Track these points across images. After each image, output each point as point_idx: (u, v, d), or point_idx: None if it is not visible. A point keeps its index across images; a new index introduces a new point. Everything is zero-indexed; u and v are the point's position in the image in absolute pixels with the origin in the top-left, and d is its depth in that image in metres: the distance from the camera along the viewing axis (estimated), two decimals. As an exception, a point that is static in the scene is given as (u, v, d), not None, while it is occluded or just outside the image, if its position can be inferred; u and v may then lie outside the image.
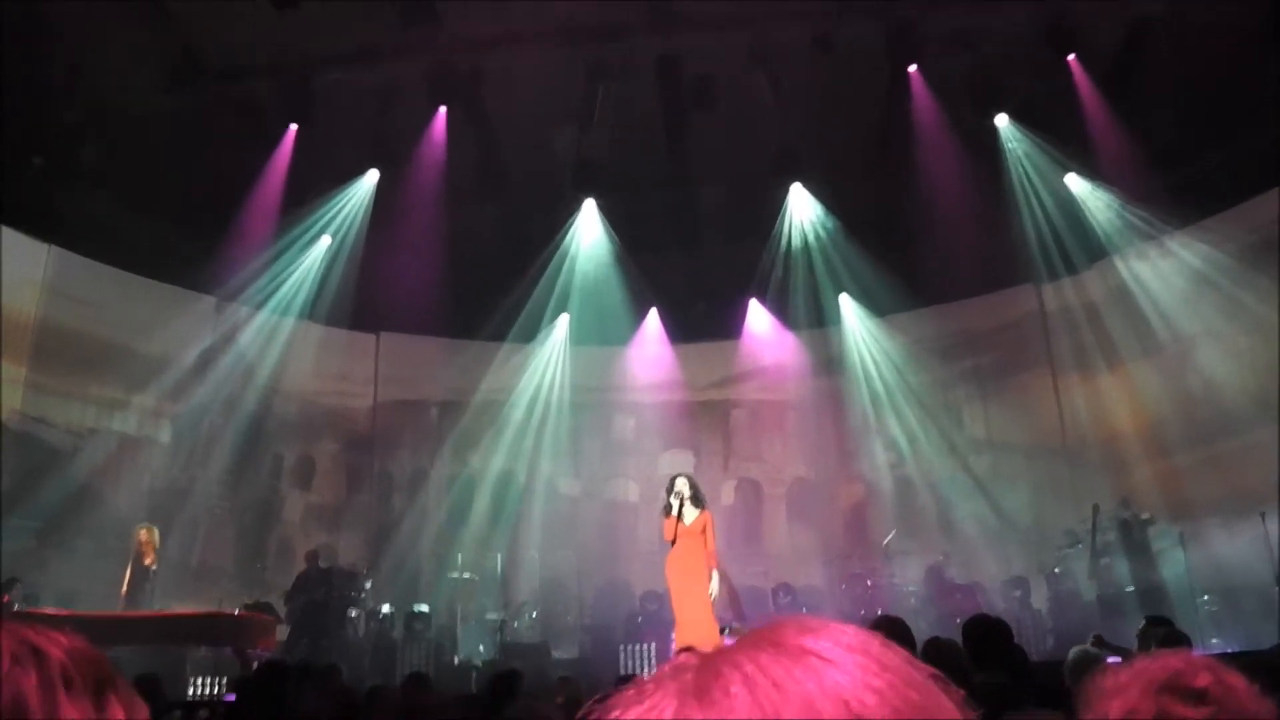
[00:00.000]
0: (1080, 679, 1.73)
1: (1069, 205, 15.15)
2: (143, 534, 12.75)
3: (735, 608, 12.85)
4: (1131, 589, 12.24)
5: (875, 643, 0.68)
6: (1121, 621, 10.86)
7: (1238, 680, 1.56)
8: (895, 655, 0.67)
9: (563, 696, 5.64)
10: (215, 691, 10.85)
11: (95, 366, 14.49)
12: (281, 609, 13.19)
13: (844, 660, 0.65)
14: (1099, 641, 7.09)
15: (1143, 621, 7.21)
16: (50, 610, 11.22)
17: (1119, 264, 15.00)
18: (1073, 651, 5.97)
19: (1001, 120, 15.20)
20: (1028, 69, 14.53)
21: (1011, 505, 15.48)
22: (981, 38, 13.93)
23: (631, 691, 0.67)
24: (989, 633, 5.22)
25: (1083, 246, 15.23)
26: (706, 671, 0.65)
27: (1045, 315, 16.15)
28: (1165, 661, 1.59)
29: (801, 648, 0.66)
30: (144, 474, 14.94)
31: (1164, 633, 6.42)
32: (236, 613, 12.15)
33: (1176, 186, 13.48)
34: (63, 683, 0.86)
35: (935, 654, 4.99)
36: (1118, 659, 6.16)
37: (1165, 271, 14.48)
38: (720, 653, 0.67)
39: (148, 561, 12.56)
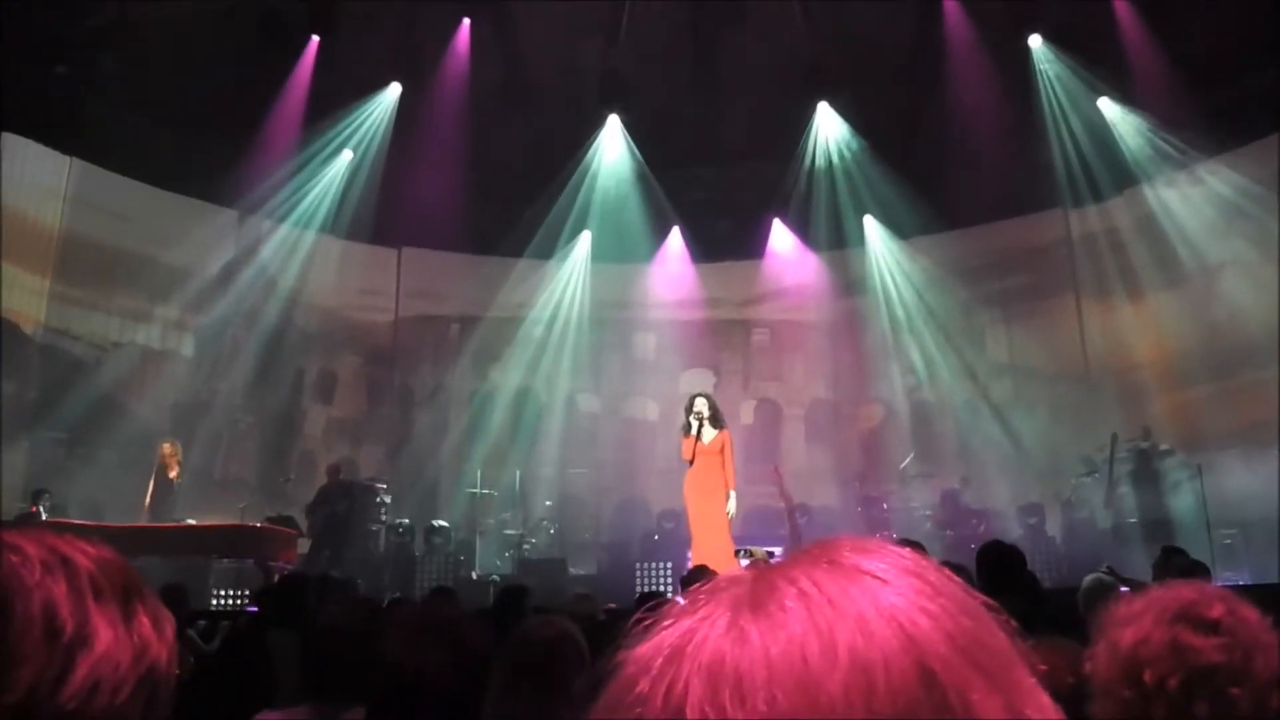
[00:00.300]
0: (1094, 606, 1.74)
1: (1100, 130, 14.85)
2: (166, 448, 13.02)
3: (793, 533, 12.69)
4: (1146, 519, 12.18)
5: (931, 567, 0.68)
6: (1134, 551, 10.84)
7: (1250, 612, 1.57)
8: (950, 581, 0.67)
9: (579, 613, 5.68)
10: (238, 603, 10.93)
11: (118, 279, 14.62)
12: (303, 522, 13.25)
13: (899, 582, 0.64)
14: (1110, 572, 6.99)
15: (1158, 551, 7.15)
16: (77, 521, 11.38)
17: (1148, 191, 14.67)
18: (1087, 579, 5.97)
19: (1035, 41, 14.86)
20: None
21: (1030, 432, 15.29)
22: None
23: (684, 602, 0.68)
24: (1001, 558, 5.24)
25: (1112, 172, 14.89)
26: (762, 584, 0.65)
27: (1071, 241, 15.85)
28: (1178, 591, 1.60)
29: (858, 567, 0.65)
30: (167, 386, 15.13)
31: (1181, 562, 6.43)
32: (259, 525, 12.25)
33: (1212, 113, 13.12)
34: (92, 591, 0.87)
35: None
36: (1126, 589, 6.25)
37: (1195, 199, 14.18)
38: (776, 567, 0.67)
39: (172, 475, 12.77)
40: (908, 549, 0.69)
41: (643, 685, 0.63)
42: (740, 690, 0.60)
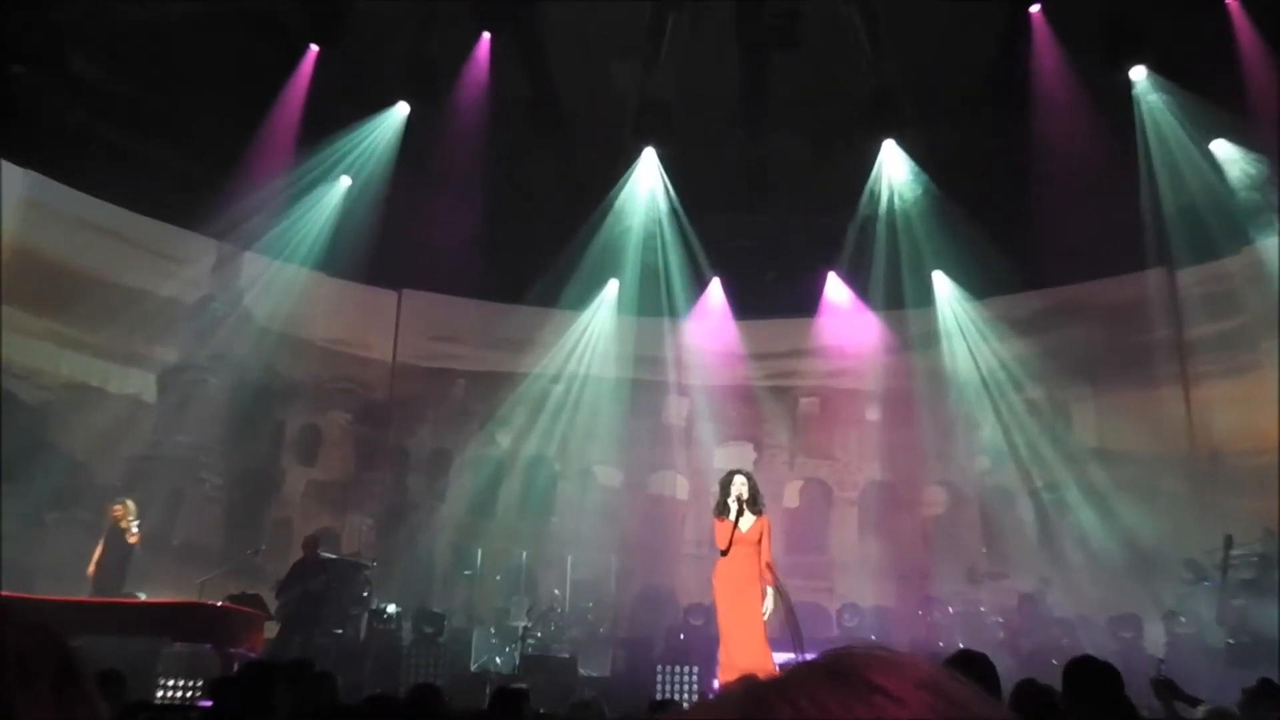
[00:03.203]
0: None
1: (1213, 176, 13.84)
2: (117, 510, 12.28)
3: (794, 634, 11.42)
4: (1266, 639, 10.77)
5: (950, 680, 0.66)
6: (1253, 676, 9.45)
7: None
8: (971, 693, 0.65)
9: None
10: (189, 695, 10.29)
11: (71, 312, 13.94)
12: (272, 602, 12.51)
13: (913, 699, 0.63)
14: (1166, 684, 6.34)
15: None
16: (7, 593, 10.66)
17: (1268, 246, 13.64)
18: (1200, 711, 5.65)
19: (1138, 73, 13.93)
20: (1174, 10, 13.25)
21: (1124, 528, 14.13)
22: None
23: None
24: (1094, 678, 4.72)
25: (1227, 225, 13.92)
26: (753, 703, 0.64)
27: (1178, 304, 14.92)
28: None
29: (868, 682, 0.64)
30: (124, 437, 14.35)
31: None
32: (220, 604, 11.71)
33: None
34: (20, 673, 0.88)
35: (1026, 700, 4.71)
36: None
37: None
38: (773, 682, 0.66)
39: (131, 540, 12.16)
40: (926, 659, 0.67)
41: None
42: None
